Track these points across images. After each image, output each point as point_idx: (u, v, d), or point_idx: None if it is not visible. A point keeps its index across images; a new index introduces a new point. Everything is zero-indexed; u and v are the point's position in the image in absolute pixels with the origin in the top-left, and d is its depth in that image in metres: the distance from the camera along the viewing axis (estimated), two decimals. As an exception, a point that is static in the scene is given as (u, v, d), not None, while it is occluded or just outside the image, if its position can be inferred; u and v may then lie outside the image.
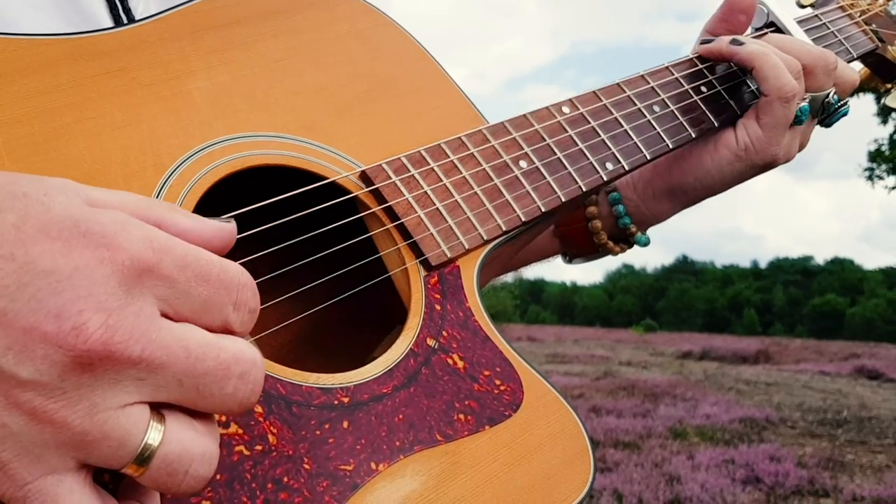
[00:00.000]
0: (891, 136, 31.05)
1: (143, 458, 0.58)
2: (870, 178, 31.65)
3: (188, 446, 0.60)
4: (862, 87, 1.62)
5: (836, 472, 9.39)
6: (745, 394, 14.95)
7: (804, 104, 1.32)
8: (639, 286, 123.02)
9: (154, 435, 0.59)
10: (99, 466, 0.59)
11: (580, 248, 1.46)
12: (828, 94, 1.35)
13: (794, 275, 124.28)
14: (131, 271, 0.59)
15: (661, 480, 8.77)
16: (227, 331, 0.64)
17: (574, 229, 1.44)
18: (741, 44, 1.33)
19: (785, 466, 9.25)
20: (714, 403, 13.19)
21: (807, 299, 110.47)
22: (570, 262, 1.50)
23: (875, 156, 31.39)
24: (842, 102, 1.37)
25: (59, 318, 0.55)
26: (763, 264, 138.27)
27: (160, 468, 0.59)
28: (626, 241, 1.44)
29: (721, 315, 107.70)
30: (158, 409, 0.60)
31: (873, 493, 8.50)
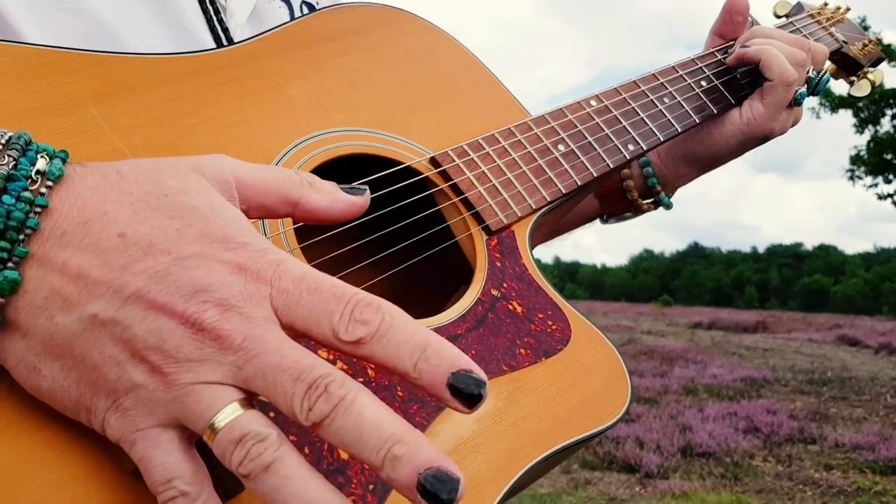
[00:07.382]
0: (868, 142, 30.92)
1: (215, 428, 0.57)
2: (851, 178, 31.41)
3: (254, 432, 0.56)
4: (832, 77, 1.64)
5: (822, 423, 9.26)
6: (746, 357, 14.76)
7: (803, 89, 1.33)
8: (657, 268, 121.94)
9: (228, 412, 0.57)
10: (186, 426, 0.59)
11: (616, 206, 1.47)
12: (808, 71, 1.35)
13: (787, 258, 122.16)
14: (255, 288, 0.59)
15: (676, 430, 8.70)
16: (335, 336, 0.59)
17: (611, 190, 1.45)
18: (748, 46, 1.35)
19: (779, 418, 9.13)
20: (720, 366, 13.04)
21: (797, 279, 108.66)
22: (605, 222, 1.50)
23: (856, 160, 31.14)
24: (823, 72, 1.38)
25: (188, 303, 0.58)
26: (761, 250, 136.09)
27: (224, 442, 0.56)
28: (654, 201, 1.45)
29: (726, 292, 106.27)
30: (251, 400, 0.59)
31: (853, 440, 8.37)
